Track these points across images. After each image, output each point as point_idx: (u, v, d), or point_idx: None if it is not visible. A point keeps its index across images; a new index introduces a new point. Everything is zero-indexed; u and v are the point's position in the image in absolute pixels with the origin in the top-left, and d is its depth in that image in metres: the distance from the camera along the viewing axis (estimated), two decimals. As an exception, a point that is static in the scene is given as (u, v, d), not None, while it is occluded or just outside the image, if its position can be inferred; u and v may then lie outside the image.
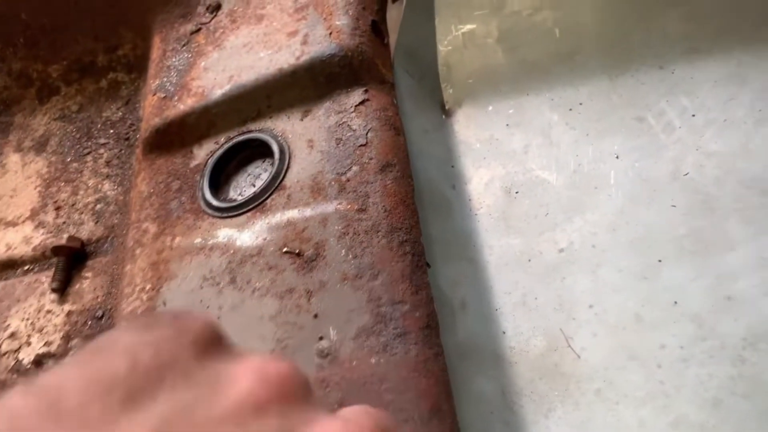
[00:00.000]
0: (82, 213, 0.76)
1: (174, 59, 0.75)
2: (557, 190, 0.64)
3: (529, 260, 0.61)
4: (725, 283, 0.55)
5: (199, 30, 0.75)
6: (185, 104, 0.69)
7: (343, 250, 0.54)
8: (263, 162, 0.65)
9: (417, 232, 0.55)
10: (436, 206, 0.63)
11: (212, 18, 0.75)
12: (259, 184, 0.62)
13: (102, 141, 0.83)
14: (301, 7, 0.70)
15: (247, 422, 0.21)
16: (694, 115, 0.64)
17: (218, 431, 0.20)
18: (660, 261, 0.57)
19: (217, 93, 0.67)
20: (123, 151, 0.80)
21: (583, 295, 0.58)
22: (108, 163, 0.80)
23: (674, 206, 0.60)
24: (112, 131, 0.83)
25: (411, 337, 0.50)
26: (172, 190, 0.67)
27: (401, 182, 0.57)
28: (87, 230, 0.74)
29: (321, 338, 0.52)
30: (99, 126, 0.85)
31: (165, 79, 0.73)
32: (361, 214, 0.56)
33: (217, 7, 0.76)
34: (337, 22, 0.66)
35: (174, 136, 0.69)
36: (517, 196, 0.65)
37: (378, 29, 0.68)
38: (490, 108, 0.71)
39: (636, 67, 0.68)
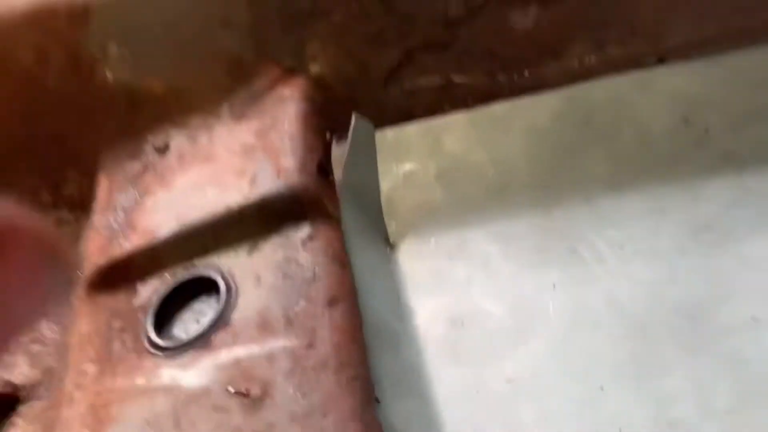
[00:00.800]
0: (14, 354, 0.73)
1: (120, 198, 0.76)
2: (501, 321, 0.66)
3: (478, 392, 0.61)
4: (666, 408, 0.56)
5: (146, 169, 0.77)
6: (131, 243, 0.69)
7: (291, 389, 0.54)
8: (209, 298, 0.65)
9: (366, 367, 0.55)
10: (384, 340, 0.64)
11: (160, 158, 0.77)
12: (205, 321, 0.62)
13: (41, 279, 0.81)
14: (249, 149, 0.73)
15: None
16: (622, 246, 0.68)
17: None
18: (602, 388, 0.59)
19: (164, 232, 0.68)
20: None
21: (532, 427, 0.58)
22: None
23: (612, 334, 0.62)
24: (52, 269, 0.81)
25: (364, 480, 0.49)
26: (115, 329, 0.65)
27: (349, 317, 0.58)
28: (21, 374, 0.71)
29: (269, 483, 0.50)
30: (38, 264, 0.83)
31: (111, 218, 0.74)
32: (309, 350, 0.56)
33: (166, 148, 0.78)
34: (285, 164, 0.69)
35: (118, 275, 0.69)
36: (463, 328, 0.66)
37: (324, 168, 0.72)
38: (433, 241, 0.73)
39: (566, 202, 0.73)
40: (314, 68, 0.79)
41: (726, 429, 0.54)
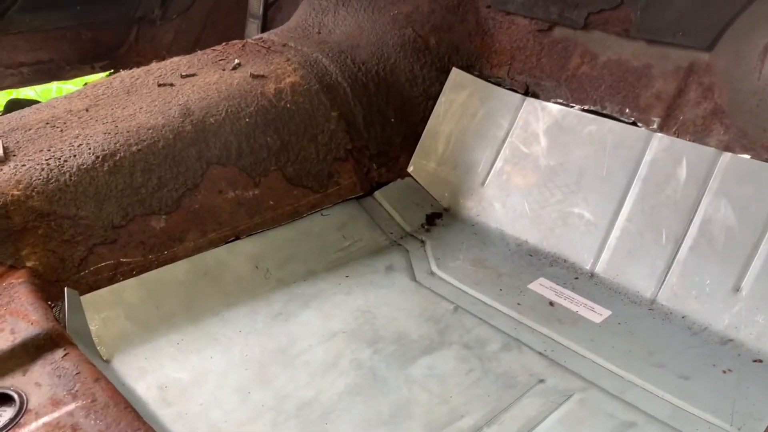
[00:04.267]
0: None
1: None
2: (185, 385, 1.16)
3: (187, 413, 1.10)
4: None
5: None
6: None
7: (91, 422, 0.94)
8: (3, 406, 0.99)
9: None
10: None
11: None
12: (8, 414, 0.96)
13: None
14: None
15: None
16: (241, 333, 1.28)
17: None
18: None
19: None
20: None
21: None
22: None
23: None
24: None
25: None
26: None
27: (106, 383, 1.01)
28: None
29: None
30: None
31: None
32: (94, 402, 0.97)
33: None
34: (33, 317, 1.09)
35: None
36: (166, 390, 1.15)
37: (56, 320, 1.13)
38: (131, 353, 1.21)
39: (202, 316, 1.30)
40: (30, 263, 1.21)
41: None
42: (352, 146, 1.66)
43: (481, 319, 1.33)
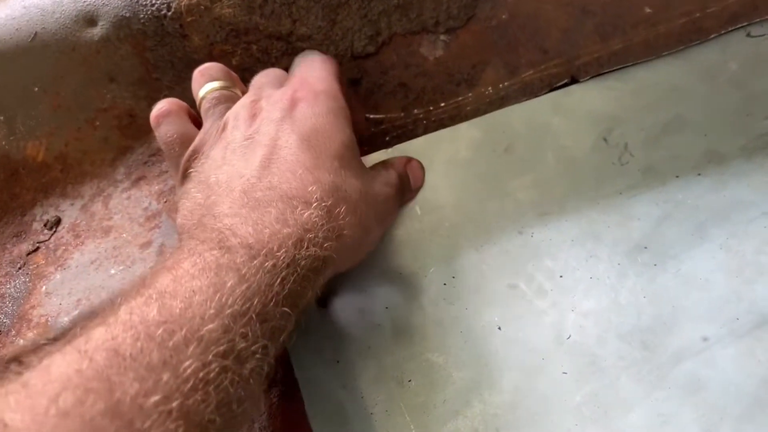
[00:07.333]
0: None
1: (8, 286, 0.66)
2: (449, 373, 0.62)
3: (435, 457, 0.57)
4: (633, 449, 0.54)
5: (37, 249, 0.68)
6: (25, 338, 0.60)
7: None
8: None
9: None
10: (328, 413, 0.58)
11: (52, 234, 0.69)
12: None
13: None
14: (153, 215, 0.65)
15: None
16: (561, 276, 0.66)
17: None
18: (565, 435, 0.56)
19: (64, 321, 0.60)
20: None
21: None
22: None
23: (565, 373, 0.60)
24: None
25: None
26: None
27: (288, 399, 0.52)
28: None
29: None
30: None
31: (-2, 310, 0.64)
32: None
33: (57, 222, 0.69)
34: (195, 229, 0.62)
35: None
36: (411, 385, 0.62)
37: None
38: (368, 291, 0.69)
39: (498, 236, 0.70)
40: (217, 119, 0.72)
41: (695, 463, 0.52)
42: None
43: None
